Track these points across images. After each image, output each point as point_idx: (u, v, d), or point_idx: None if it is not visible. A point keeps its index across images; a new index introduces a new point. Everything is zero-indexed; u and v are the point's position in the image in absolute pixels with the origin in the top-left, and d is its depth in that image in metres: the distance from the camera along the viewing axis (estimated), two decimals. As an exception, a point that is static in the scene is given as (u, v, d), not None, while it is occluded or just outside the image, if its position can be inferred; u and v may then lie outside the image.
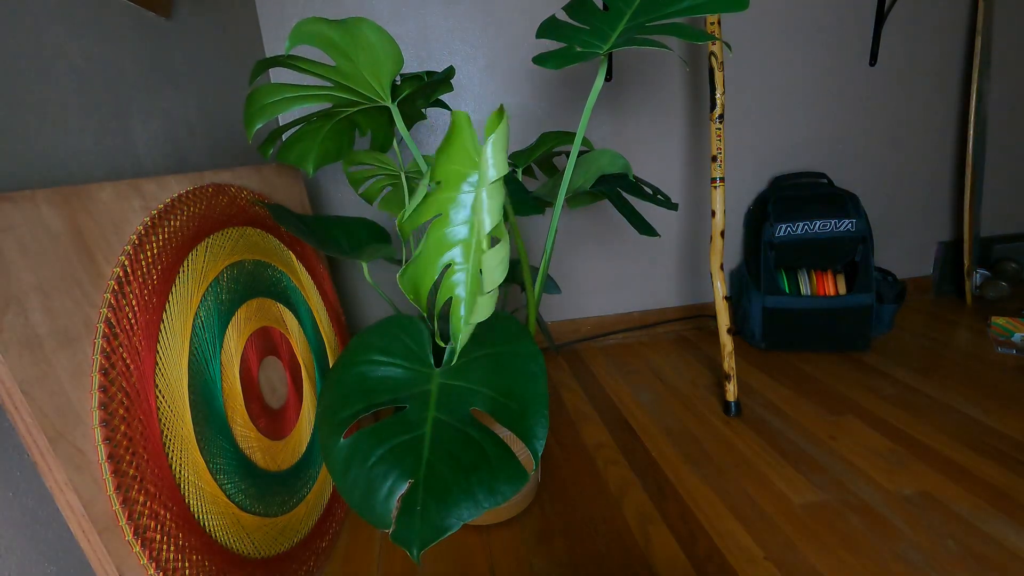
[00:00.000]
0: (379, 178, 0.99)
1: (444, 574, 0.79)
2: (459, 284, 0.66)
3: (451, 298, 0.67)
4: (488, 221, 0.57)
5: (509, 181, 0.86)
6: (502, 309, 0.96)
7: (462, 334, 0.66)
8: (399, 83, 0.82)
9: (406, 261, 0.71)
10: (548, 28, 0.74)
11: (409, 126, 0.92)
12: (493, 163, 0.56)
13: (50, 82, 0.58)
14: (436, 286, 0.74)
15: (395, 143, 0.93)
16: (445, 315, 0.89)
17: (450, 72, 0.77)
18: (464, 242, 0.65)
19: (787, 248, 1.38)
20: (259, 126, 0.76)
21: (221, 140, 0.96)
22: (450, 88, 0.87)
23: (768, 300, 1.38)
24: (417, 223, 0.66)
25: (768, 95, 1.50)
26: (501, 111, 0.55)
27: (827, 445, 1.01)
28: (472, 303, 0.64)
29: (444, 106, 0.96)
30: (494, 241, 0.81)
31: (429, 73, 0.85)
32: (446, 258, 0.66)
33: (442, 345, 0.73)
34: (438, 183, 0.64)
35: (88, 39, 0.65)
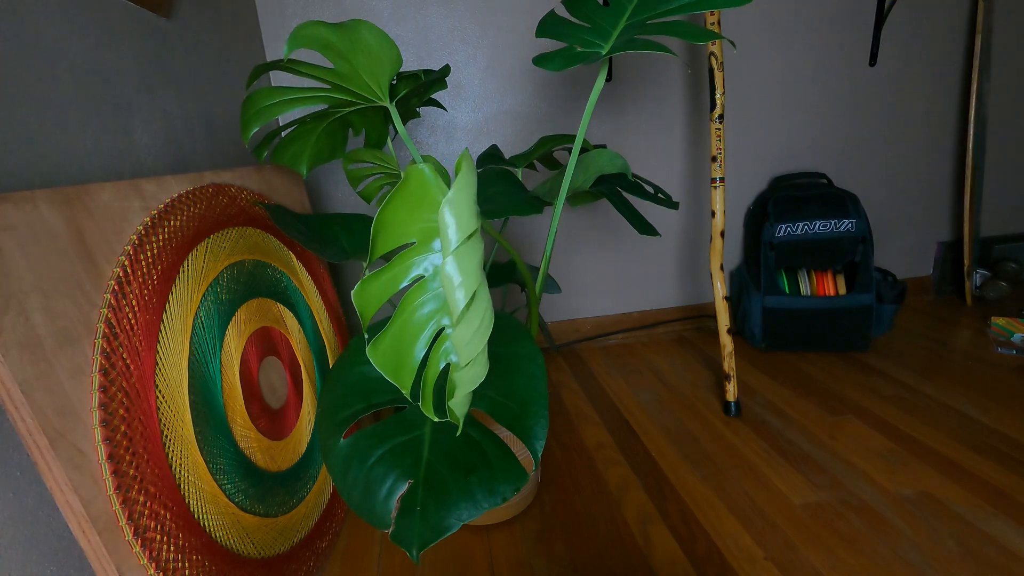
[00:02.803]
0: (378, 176, 0.99)
1: (444, 574, 0.79)
2: (452, 351, 0.56)
3: (447, 366, 0.57)
4: (461, 296, 0.48)
5: (507, 180, 0.86)
6: (501, 309, 0.96)
7: (459, 407, 0.57)
8: (395, 83, 0.82)
9: (368, 330, 0.58)
10: (548, 27, 0.74)
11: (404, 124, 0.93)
12: (456, 225, 0.46)
13: (50, 82, 0.58)
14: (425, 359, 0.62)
15: (389, 141, 0.93)
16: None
17: (446, 71, 0.77)
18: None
19: (787, 248, 1.38)
20: (256, 129, 0.76)
21: (221, 140, 0.96)
22: (444, 86, 0.87)
23: (768, 300, 1.38)
24: (385, 297, 0.53)
25: (768, 95, 1.50)
26: (466, 155, 0.48)
27: (827, 445, 1.01)
28: (455, 377, 0.55)
29: (439, 105, 0.96)
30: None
31: (427, 72, 0.85)
32: (432, 327, 0.55)
33: (435, 420, 0.61)
34: (413, 243, 0.53)
35: (88, 39, 0.65)
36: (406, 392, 0.55)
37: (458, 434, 0.61)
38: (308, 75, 0.71)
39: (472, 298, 0.49)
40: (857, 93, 1.55)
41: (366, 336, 0.62)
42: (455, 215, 0.47)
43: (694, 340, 1.56)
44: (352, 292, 0.51)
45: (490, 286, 0.99)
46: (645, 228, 0.84)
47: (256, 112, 0.74)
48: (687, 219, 1.57)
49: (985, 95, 1.54)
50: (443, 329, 0.56)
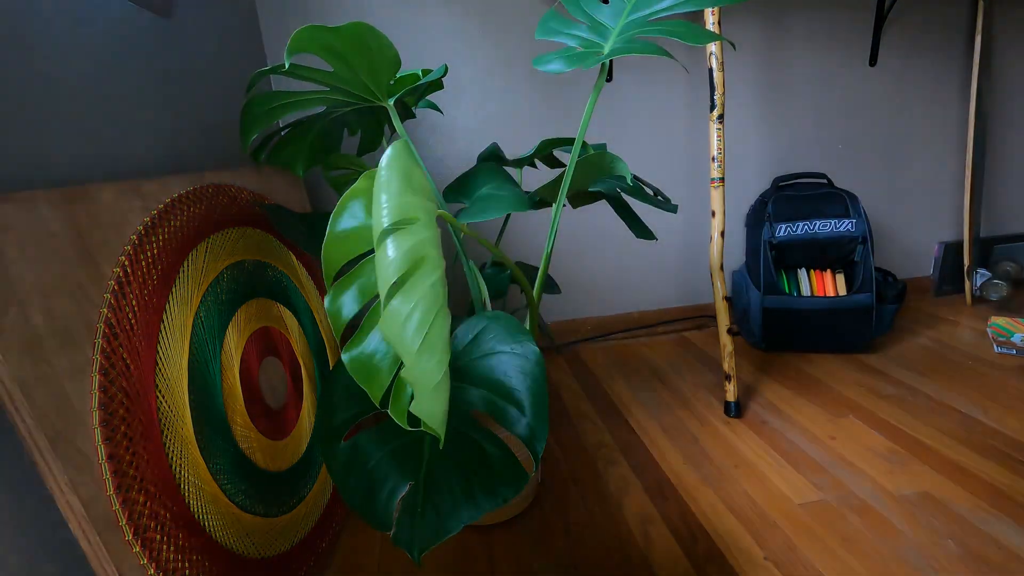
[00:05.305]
0: (358, 182, 0.99)
1: (444, 574, 0.79)
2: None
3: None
4: (389, 275, 0.45)
5: (499, 177, 0.86)
6: (502, 309, 0.96)
7: (426, 412, 0.50)
8: (393, 83, 0.82)
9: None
10: (547, 27, 0.74)
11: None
12: (387, 206, 0.46)
13: (50, 82, 0.58)
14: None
15: (384, 142, 0.93)
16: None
17: (443, 71, 0.77)
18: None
19: (787, 248, 1.38)
20: (255, 135, 0.76)
21: (221, 140, 0.96)
22: (441, 86, 0.87)
23: (768, 300, 1.38)
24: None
25: (768, 95, 1.50)
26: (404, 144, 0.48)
27: (827, 445, 1.01)
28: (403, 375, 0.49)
29: (434, 107, 0.96)
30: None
31: (425, 71, 0.85)
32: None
33: (408, 428, 0.56)
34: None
35: (88, 39, 0.65)
36: (376, 400, 0.54)
37: (440, 447, 0.58)
38: (308, 78, 0.71)
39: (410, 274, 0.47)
40: (857, 93, 1.55)
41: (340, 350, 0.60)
42: (387, 193, 0.47)
43: (694, 340, 1.56)
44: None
45: (489, 286, 0.99)
46: (643, 232, 0.85)
47: (255, 118, 0.74)
48: (687, 219, 1.57)
49: (985, 95, 1.54)
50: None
